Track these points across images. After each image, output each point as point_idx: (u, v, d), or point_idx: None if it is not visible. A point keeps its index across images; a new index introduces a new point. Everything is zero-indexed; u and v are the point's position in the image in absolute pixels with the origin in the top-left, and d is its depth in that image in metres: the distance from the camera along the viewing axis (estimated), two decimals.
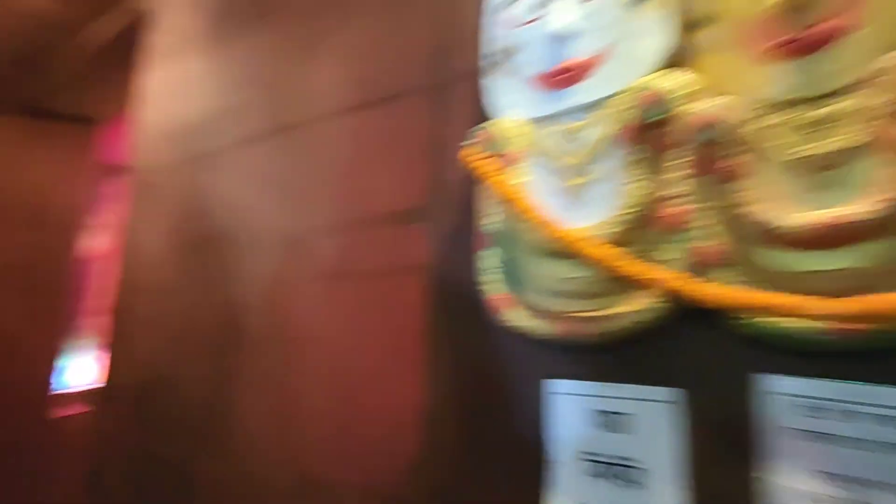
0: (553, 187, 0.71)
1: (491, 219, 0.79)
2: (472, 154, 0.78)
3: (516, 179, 0.73)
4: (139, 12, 2.00)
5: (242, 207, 1.35)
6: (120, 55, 2.44)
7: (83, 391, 3.12)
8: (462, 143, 0.82)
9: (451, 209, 0.91)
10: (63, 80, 2.74)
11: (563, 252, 0.66)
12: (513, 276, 0.73)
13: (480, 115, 0.84)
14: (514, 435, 0.75)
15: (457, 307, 0.84)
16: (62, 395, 3.09)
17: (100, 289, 3.59)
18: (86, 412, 2.95)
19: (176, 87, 1.71)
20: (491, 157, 0.77)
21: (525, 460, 0.73)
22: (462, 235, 0.87)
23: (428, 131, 0.99)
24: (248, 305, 1.26)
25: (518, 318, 0.73)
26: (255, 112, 1.40)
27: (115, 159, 3.68)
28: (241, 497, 1.14)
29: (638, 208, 0.62)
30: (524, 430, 0.73)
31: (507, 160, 0.75)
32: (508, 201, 0.72)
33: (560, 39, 0.70)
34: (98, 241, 3.58)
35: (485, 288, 0.78)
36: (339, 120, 1.15)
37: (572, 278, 0.67)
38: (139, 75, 1.86)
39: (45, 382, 3.09)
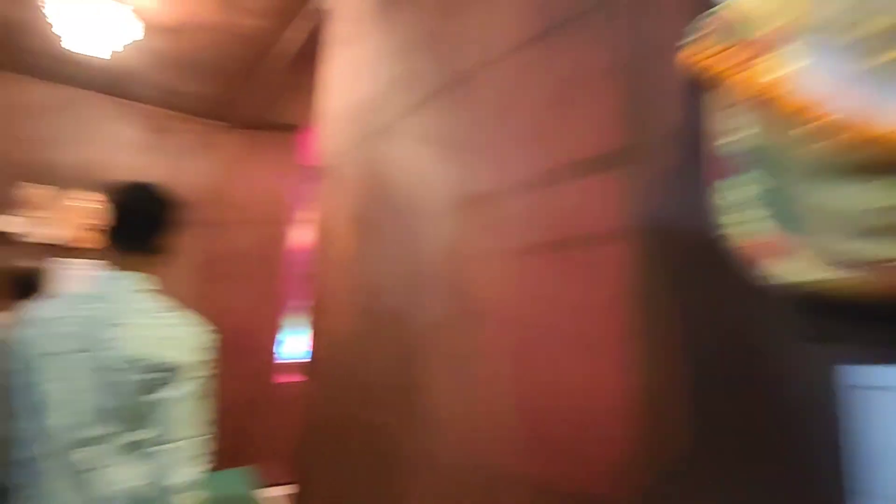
0: (846, 71, 0.46)
1: (737, 135, 0.56)
2: (700, 52, 0.57)
3: (779, 70, 0.50)
4: (322, 12, 2.15)
5: (419, 175, 1.31)
6: (309, 59, 2.71)
7: (297, 362, 3.63)
8: (680, 44, 0.61)
9: (665, 141, 0.70)
10: (270, 93, 3.17)
11: (877, 166, 0.42)
12: (782, 210, 0.50)
13: (699, 4, 0.61)
14: (784, 436, 0.52)
15: (685, 265, 0.63)
16: (282, 365, 3.63)
17: (305, 275, 4.14)
18: (299, 380, 3.43)
19: (351, 71, 1.78)
20: (730, 48, 0.54)
21: (800, 477, 0.50)
22: (684, 172, 0.66)
23: (624, 49, 0.78)
24: (429, 279, 1.22)
25: (792, 270, 0.50)
26: (423, 74, 1.35)
27: (312, 161, 4.20)
28: (429, 475, 1.10)
29: None
30: (803, 431, 0.50)
31: (761, 46, 0.52)
32: (769, 102, 0.49)
33: None
34: (302, 233, 4.11)
35: (731, 233, 0.56)
36: (513, 59, 1.00)
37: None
38: (321, 68, 2.00)
39: (271, 352, 3.66)
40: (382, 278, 1.42)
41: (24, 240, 2.98)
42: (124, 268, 1.05)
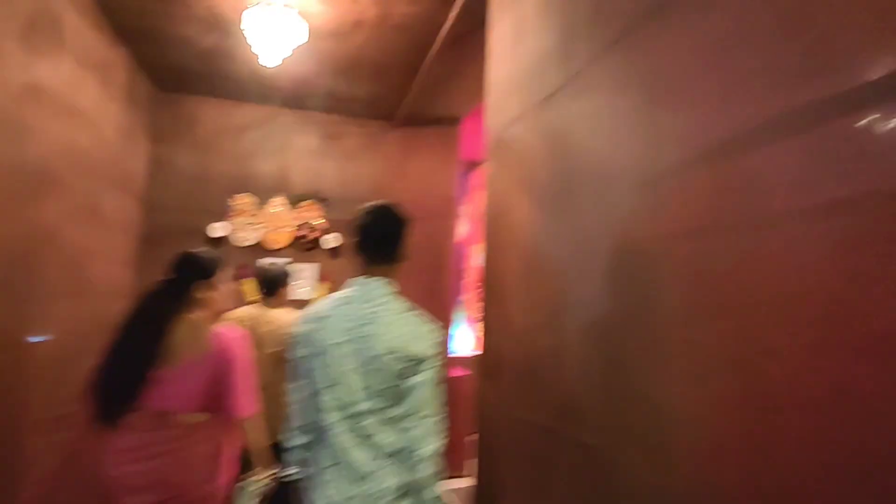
0: None
1: None
2: None
3: None
4: None
5: (613, 133, 1.04)
6: (470, 42, 2.58)
7: (465, 357, 3.57)
8: None
9: None
10: (431, 84, 3.14)
11: None
12: None
13: None
14: None
15: None
16: (451, 359, 3.61)
17: (469, 269, 4.09)
18: (467, 375, 3.36)
19: (514, 33, 1.57)
20: None
21: None
22: None
23: None
24: (643, 261, 0.94)
25: None
26: (606, 12, 1.07)
27: (474, 154, 4.13)
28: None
29: None
30: None
31: None
32: None
33: None
34: (466, 227, 4.06)
35: None
36: None
37: None
38: (485, 39, 1.83)
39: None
40: (570, 263, 1.17)
41: (237, 244, 3.43)
42: (372, 274, 1.26)
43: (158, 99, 3.34)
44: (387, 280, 1.25)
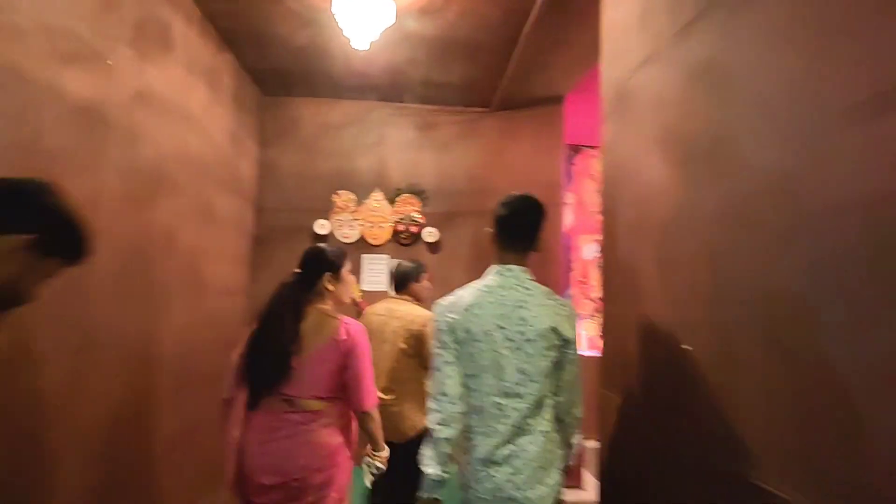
0: None
1: None
2: None
3: None
4: None
5: (794, 62, 0.73)
6: (571, 5, 2.29)
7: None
8: None
9: None
10: (530, 61, 2.88)
11: None
12: None
13: None
14: None
15: None
16: None
17: (577, 261, 3.74)
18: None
19: None
20: None
21: None
22: None
23: None
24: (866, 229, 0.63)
25: None
26: None
27: (577, 137, 3.77)
28: None
29: None
30: None
31: None
32: None
33: None
34: (570, 216, 3.72)
35: None
36: None
37: None
38: None
39: None
40: (734, 244, 0.87)
41: (340, 240, 3.46)
42: (515, 262, 1.30)
43: (264, 104, 3.47)
44: (526, 268, 1.30)
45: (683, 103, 1.03)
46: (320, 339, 1.55)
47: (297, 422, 1.50)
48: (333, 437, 1.54)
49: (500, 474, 1.17)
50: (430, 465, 1.20)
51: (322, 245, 1.72)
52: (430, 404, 1.25)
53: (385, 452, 1.66)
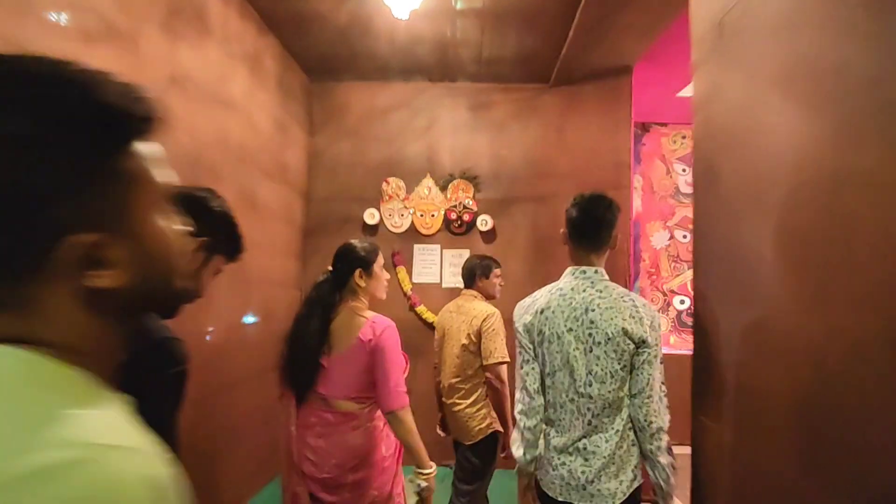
0: None
1: None
2: None
3: None
4: None
5: None
6: None
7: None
8: None
9: None
10: (594, 29, 2.56)
11: None
12: None
13: None
14: None
15: None
16: None
17: (646, 250, 3.38)
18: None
19: None
20: None
21: None
22: None
23: None
24: None
25: None
26: None
27: (645, 114, 3.38)
28: None
29: None
30: None
31: None
32: None
33: None
34: (639, 201, 3.35)
35: None
36: None
37: None
38: None
39: None
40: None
41: (391, 230, 3.31)
42: (588, 263, 1.34)
43: (311, 90, 3.36)
44: (600, 268, 1.33)
45: (833, 20, 0.73)
46: (349, 338, 1.53)
47: (330, 422, 1.52)
48: (366, 440, 1.52)
49: (572, 464, 1.25)
50: (517, 447, 1.33)
51: (353, 241, 1.67)
52: (517, 395, 1.36)
53: (430, 470, 1.48)
